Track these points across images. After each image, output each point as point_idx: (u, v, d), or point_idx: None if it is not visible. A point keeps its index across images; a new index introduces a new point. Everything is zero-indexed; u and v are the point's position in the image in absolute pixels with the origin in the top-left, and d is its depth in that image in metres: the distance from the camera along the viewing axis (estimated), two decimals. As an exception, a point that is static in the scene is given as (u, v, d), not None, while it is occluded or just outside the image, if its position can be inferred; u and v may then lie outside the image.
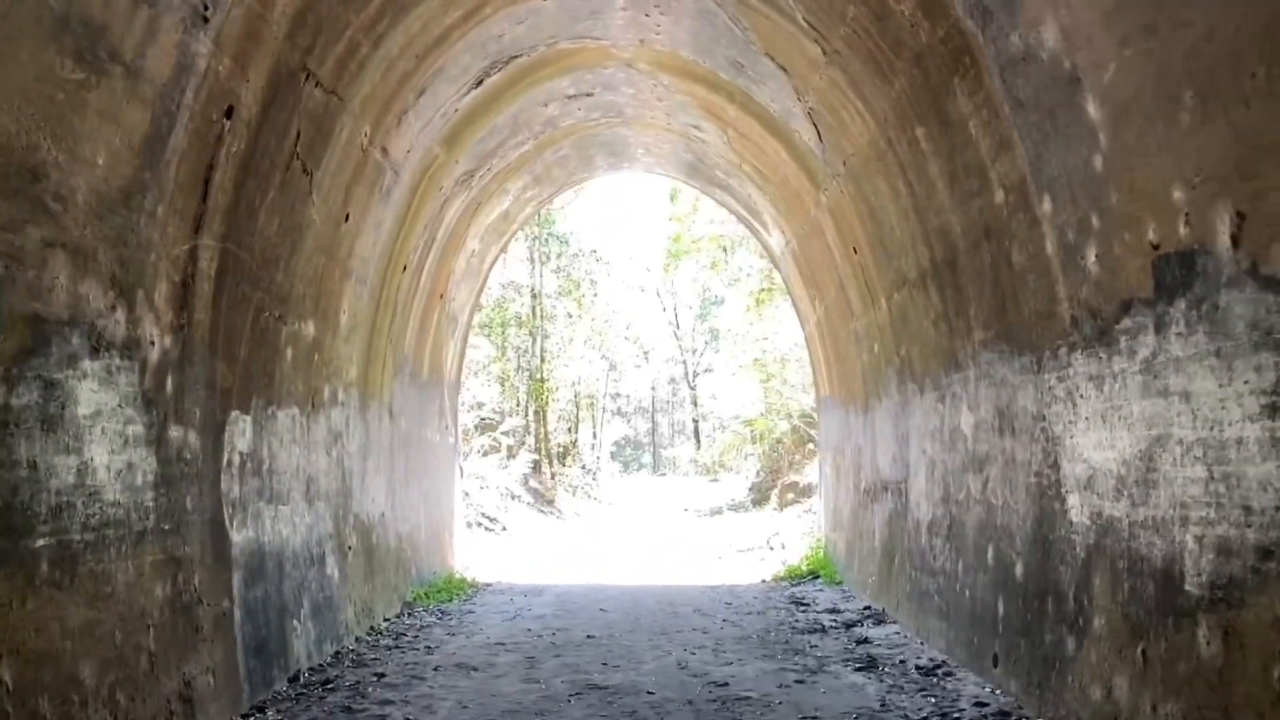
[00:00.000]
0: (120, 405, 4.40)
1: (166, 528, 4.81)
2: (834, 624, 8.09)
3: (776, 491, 18.76)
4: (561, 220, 28.20)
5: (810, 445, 19.32)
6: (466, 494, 15.85)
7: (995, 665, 5.88)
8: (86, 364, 4.12)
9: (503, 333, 25.02)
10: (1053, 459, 5.27)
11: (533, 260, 25.95)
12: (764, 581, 11.02)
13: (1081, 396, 4.90)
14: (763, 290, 26.46)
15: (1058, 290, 5.10)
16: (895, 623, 7.94)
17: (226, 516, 5.56)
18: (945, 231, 6.60)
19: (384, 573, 8.72)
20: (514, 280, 25.78)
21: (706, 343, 51.87)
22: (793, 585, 10.46)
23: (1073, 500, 5.03)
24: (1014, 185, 5.42)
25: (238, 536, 5.70)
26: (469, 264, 11.32)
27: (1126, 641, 4.43)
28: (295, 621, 6.50)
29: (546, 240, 26.68)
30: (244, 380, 5.84)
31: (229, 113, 5.16)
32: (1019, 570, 5.68)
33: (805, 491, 17.17)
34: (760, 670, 6.39)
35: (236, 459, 5.73)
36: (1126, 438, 4.46)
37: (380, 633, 7.90)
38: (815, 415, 19.47)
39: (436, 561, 10.69)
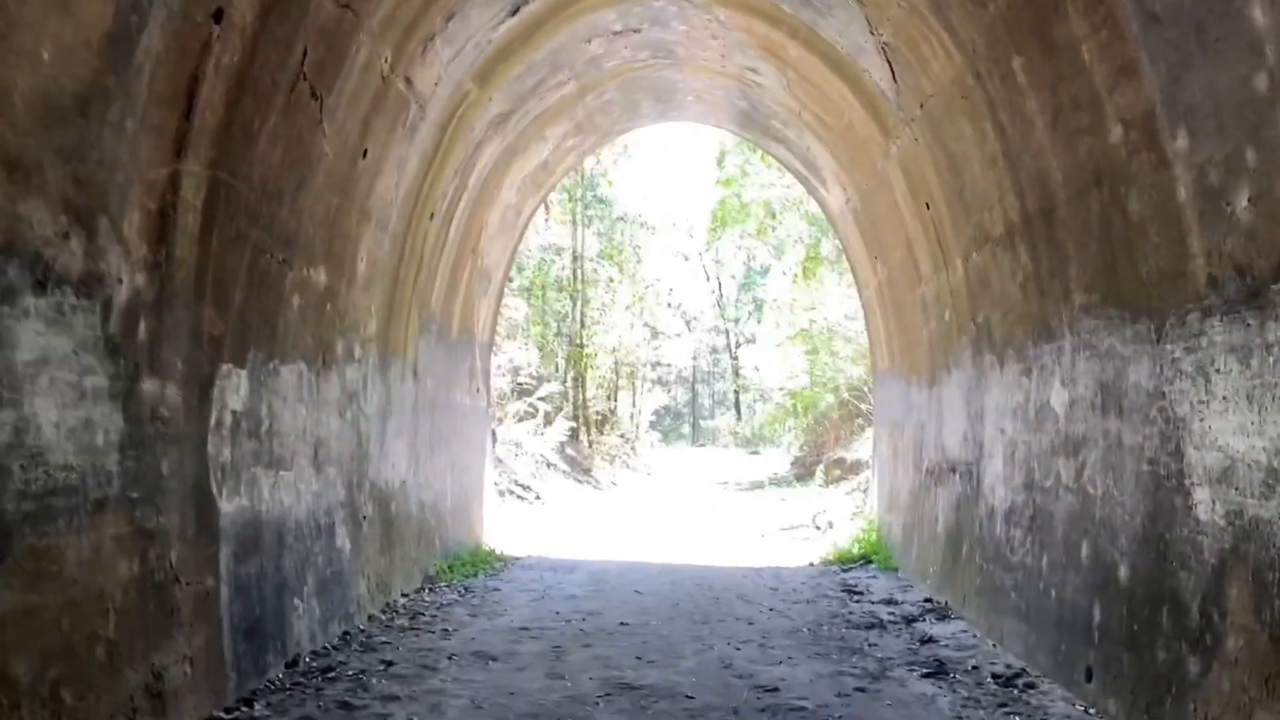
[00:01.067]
0: (76, 352, 3.72)
1: (135, 496, 4.15)
2: (892, 618, 7.33)
3: (822, 467, 17.95)
4: (604, 182, 27.41)
5: (859, 420, 18.47)
6: (500, 460, 15.23)
7: (1089, 680, 5.10)
8: (29, 301, 3.44)
9: (542, 296, 24.33)
10: (1174, 445, 4.45)
11: (574, 222, 25.17)
12: (811, 565, 10.27)
13: (1218, 371, 4.07)
14: (810, 259, 25.53)
15: (1190, 244, 4.26)
16: (961, 619, 7.16)
17: (214, 483, 4.90)
18: (1042, 179, 5.75)
19: (404, 544, 8.08)
20: (554, 242, 25.05)
21: (750, 313, 50.90)
22: (843, 570, 9.69)
23: (1201, 495, 4.21)
24: (1137, 119, 4.56)
25: (228, 505, 5.04)
26: (504, 217, 10.58)
27: (1276, 670, 3.63)
28: (297, 600, 5.86)
29: (589, 202, 25.90)
30: (239, 330, 5.16)
31: (217, 16, 4.43)
32: (1123, 572, 4.87)
33: (853, 468, 16.35)
34: (814, 673, 5.65)
35: (228, 418, 5.06)
36: (1284, 422, 3.64)
37: (396, 610, 7.27)
38: (866, 388, 18.62)
39: (463, 532, 10.06)
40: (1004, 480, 6.73)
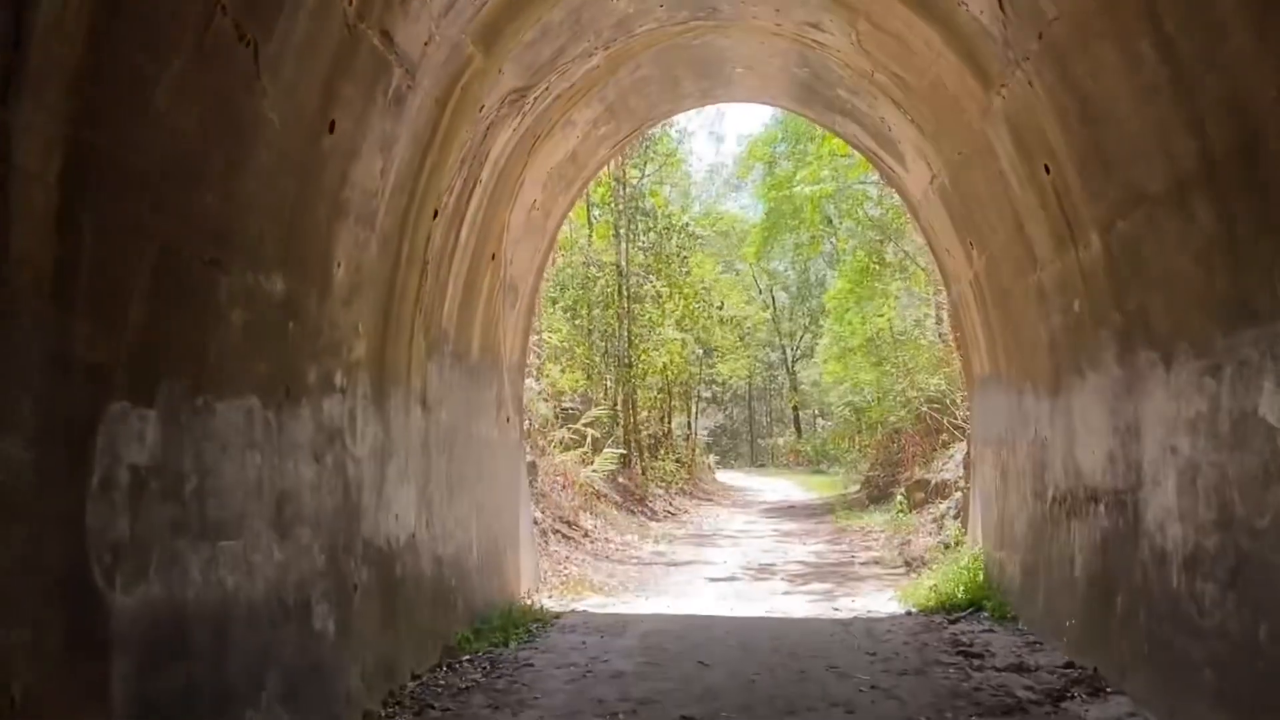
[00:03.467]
0: None
1: (-65, 608, 2.74)
2: (1032, 695, 5.70)
3: (902, 490, 16.27)
4: (648, 194, 26.01)
5: (942, 435, 16.73)
6: (543, 496, 13.78)
7: (1373, 818, 3.46)
8: None
9: (587, 314, 22.92)
10: None
11: (617, 234, 23.75)
12: (909, 613, 8.63)
13: None
14: (874, 262, 23.89)
15: None
16: (1123, 695, 5.52)
17: (98, 570, 3.48)
18: (1238, 103, 4.17)
19: (413, 614, 6.63)
20: (597, 257, 23.67)
21: (805, 326, 49.15)
22: (950, 621, 8.04)
23: None
24: None
25: (127, 599, 3.62)
26: (529, 218, 9.16)
27: None
28: (250, 712, 4.41)
29: (632, 215, 24.46)
30: (141, 355, 3.76)
31: (52, -106, 3.05)
32: None
33: (939, 491, 14.65)
34: (953, 800, 4.06)
35: (124, 477, 3.64)
36: None
37: (401, 702, 5.81)
38: (948, 400, 16.89)
39: (494, 588, 8.58)
40: (1180, 515, 5.09)
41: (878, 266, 22.21)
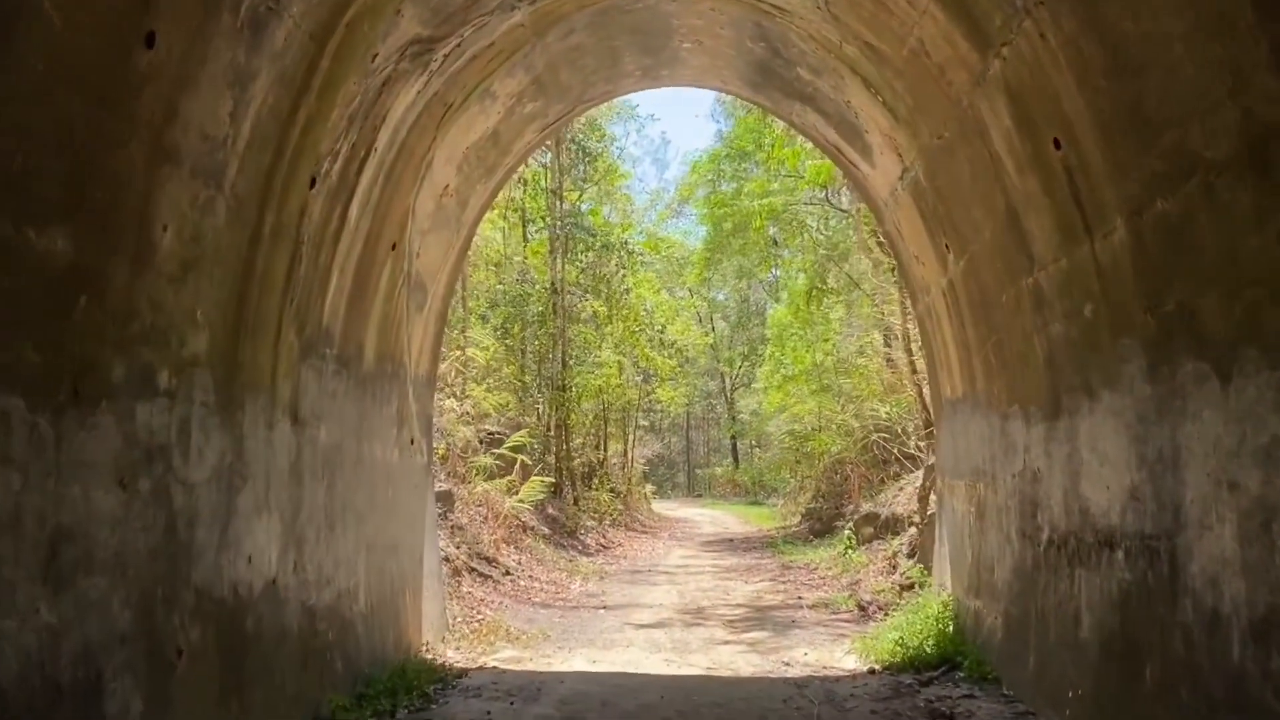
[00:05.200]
0: None
1: None
2: (1044, 792, 4.54)
3: (851, 525, 15.18)
4: (590, 214, 24.89)
5: (892, 466, 15.71)
6: (459, 529, 12.42)
7: None
8: None
9: (519, 333, 21.60)
10: None
11: (553, 250, 22.51)
12: (873, 672, 7.45)
13: None
14: (816, 288, 23.00)
15: None
16: (1158, 793, 4.38)
17: None
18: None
19: (271, 679, 5.28)
20: (532, 273, 22.43)
21: (744, 355, 48.27)
22: (921, 684, 6.88)
23: None
24: None
25: None
26: (441, 205, 7.90)
27: None
28: None
29: (572, 232, 23.24)
30: None
31: None
32: None
33: (890, 526, 13.57)
34: None
35: None
36: None
37: (239, 800, 4.45)
38: (899, 429, 15.92)
39: (387, 641, 7.23)
40: (1244, 569, 3.99)
41: (821, 289, 21.25)
